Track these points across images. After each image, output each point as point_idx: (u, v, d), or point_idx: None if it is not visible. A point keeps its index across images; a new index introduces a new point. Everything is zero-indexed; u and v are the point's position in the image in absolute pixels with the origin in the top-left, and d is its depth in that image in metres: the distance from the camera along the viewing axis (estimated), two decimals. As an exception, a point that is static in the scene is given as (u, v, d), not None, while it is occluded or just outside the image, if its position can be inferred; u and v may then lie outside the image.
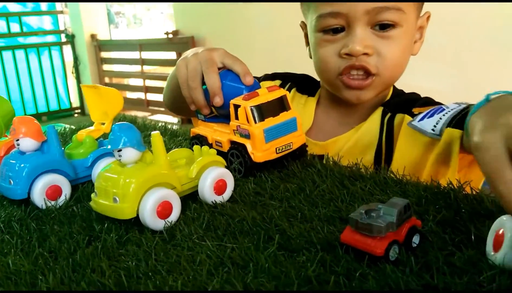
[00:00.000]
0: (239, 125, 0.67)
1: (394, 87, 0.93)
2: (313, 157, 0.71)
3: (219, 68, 0.74)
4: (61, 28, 6.05)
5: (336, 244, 0.46)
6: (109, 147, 0.54)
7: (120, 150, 0.53)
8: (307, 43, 0.93)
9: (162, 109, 5.14)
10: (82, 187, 0.66)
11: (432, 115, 0.74)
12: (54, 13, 6.11)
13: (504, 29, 2.65)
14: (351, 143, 0.88)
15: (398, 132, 0.83)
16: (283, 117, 0.68)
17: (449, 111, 0.72)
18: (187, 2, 4.62)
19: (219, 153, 0.69)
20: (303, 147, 0.71)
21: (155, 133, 0.54)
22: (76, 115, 6.16)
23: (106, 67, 5.86)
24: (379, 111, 0.88)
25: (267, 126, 0.66)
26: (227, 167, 0.62)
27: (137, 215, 0.53)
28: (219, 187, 0.59)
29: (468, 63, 2.86)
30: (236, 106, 0.67)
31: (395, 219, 0.43)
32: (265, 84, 0.97)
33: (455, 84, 2.90)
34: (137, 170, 0.54)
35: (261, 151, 0.66)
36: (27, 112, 5.70)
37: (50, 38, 6.08)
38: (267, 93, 0.68)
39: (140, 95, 5.48)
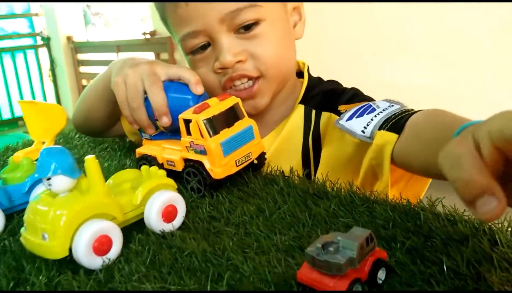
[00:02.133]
0: (193, 141, 0.61)
1: (309, 75, 0.86)
2: (276, 170, 0.65)
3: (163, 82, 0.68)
4: (37, 30, 5.92)
5: (292, 282, 0.40)
6: (36, 175, 0.48)
7: (49, 178, 0.47)
8: None
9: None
10: (18, 217, 0.59)
11: (361, 115, 0.68)
12: (29, 16, 5.98)
13: (489, 23, 2.62)
14: (275, 148, 0.81)
15: (324, 132, 0.78)
16: (238, 127, 0.62)
17: (380, 111, 0.67)
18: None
19: (173, 172, 0.63)
20: (262, 156, 0.66)
21: (90, 158, 0.48)
22: (54, 119, 6.04)
23: (83, 69, 5.75)
24: (300, 110, 0.81)
25: (223, 139, 0.60)
26: (179, 190, 0.56)
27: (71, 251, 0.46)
28: (168, 213, 0.53)
29: (451, 58, 2.84)
30: (187, 121, 0.61)
31: (355, 253, 0.37)
32: None
33: (438, 80, 2.88)
34: (70, 200, 0.47)
35: (220, 166, 0.60)
36: (3, 118, 5.59)
37: (26, 41, 5.95)
38: (218, 103, 0.62)
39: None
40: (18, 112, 5.68)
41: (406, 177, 0.69)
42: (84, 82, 5.77)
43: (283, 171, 0.66)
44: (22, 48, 5.77)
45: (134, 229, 0.53)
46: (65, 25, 5.61)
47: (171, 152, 0.65)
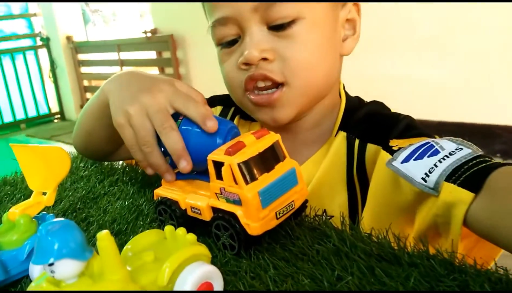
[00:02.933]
0: (224, 188, 0.50)
1: (346, 94, 0.75)
2: (324, 223, 0.54)
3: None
4: (36, 31, 5.81)
5: None
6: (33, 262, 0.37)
7: (51, 264, 0.36)
8: None
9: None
10: (16, 291, 0.48)
11: (420, 157, 0.55)
12: (27, 16, 5.88)
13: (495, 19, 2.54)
14: (317, 181, 0.70)
15: (371, 168, 0.66)
16: (279, 170, 0.50)
17: (446, 155, 0.54)
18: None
19: (198, 221, 0.53)
20: (304, 203, 0.54)
21: (103, 235, 0.37)
22: (56, 121, 5.95)
23: (84, 69, 5.65)
24: (341, 138, 0.70)
25: (262, 186, 0.48)
26: (207, 244, 0.45)
27: None
28: (203, 293, 0.42)
29: (451, 51, 2.76)
30: (218, 164, 0.50)
31: None
32: None
33: (443, 74, 2.80)
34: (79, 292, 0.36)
35: (257, 220, 0.48)
36: (4, 121, 5.49)
37: (25, 42, 5.84)
38: (255, 142, 0.51)
39: (121, 97, 5.27)
40: (20, 115, 5.59)
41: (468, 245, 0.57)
42: (85, 82, 5.67)
43: (329, 217, 0.55)
44: (22, 50, 5.67)
45: (160, 311, 0.42)
46: (64, 25, 5.51)
47: (197, 197, 0.54)
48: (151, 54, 4.89)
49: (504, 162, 0.51)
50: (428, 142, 0.57)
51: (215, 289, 0.43)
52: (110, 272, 0.37)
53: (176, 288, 0.41)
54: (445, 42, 2.76)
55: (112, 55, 5.18)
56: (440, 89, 2.83)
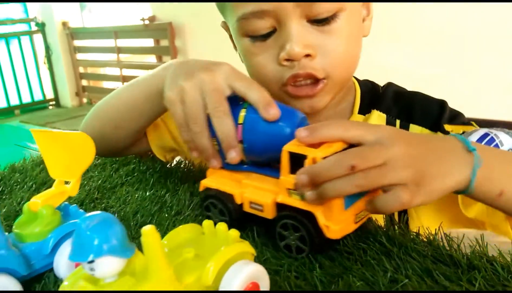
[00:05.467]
0: None
1: (354, 77, 0.77)
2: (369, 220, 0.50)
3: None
4: (31, 16, 5.72)
5: None
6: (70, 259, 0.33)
7: (91, 261, 0.33)
8: (236, 47, 0.72)
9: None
10: (40, 286, 0.44)
11: None
12: (22, 1, 5.77)
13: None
14: None
15: None
16: None
17: (505, 148, 0.55)
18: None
19: (256, 218, 0.49)
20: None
21: (148, 231, 0.33)
22: (50, 107, 5.87)
23: (80, 56, 5.56)
24: (376, 116, 0.71)
25: None
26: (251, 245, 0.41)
27: None
28: (249, 294, 0.38)
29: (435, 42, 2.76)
30: (295, 157, 0.45)
31: None
32: None
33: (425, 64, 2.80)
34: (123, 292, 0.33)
35: (339, 222, 0.44)
36: (-1, 107, 5.42)
37: (20, 27, 5.74)
38: None
39: (117, 85, 5.21)
40: (14, 101, 5.51)
41: None
42: (81, 69, 5.60)
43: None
44: (17, 35, 5.57)
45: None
46: (60, 10, 5.41)
47: (258, 192, 0.49)
48: (149, 42, 4.81)
49: None
50: (488, 135, 0.55)
51: (262, 289, 0.39)
52: (155, 271, 0.34)
53: (221, 288, 0.38)
54: (451, 37, 2.74)
55: (109, 42, 5.09)
56: (445, 85, 2.81)
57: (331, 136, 0.44)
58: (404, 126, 0.69)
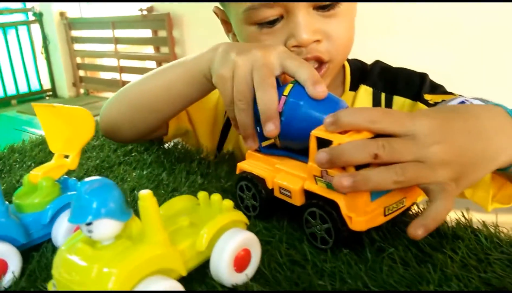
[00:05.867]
0: (327, 171, 0.43)
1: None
2: None
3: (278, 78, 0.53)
4: (29, 6, 5.70)
5: None
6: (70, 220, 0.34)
7: (90, 223, 0.34)
8: (228, 31, 0.74)
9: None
10: (38, 254, 0.46)
11: None
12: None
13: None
14: None
15: None
16: None
17: None
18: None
19: (285, 204, 0.48)
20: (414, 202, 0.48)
21: (146, 195, 0.35)
22: (47, 97, 5.86)
23: (77, 46, 5.55)
24: (363, 91, 0.75)
25: None
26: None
27: (121, 325, 0.34)
28: (241, 260, 0.40)
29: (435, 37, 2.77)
30: (323, 142, 0.43)
31: None
32: None
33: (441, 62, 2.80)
34: (120, 253, 0.34)
35: (363, 214, 0.42)
36: (-4, 97, 5.41)
37: (18, 17, 5.73)
38: None
39: (115, 75, 5.22)
40: (11, 91, 5.50)
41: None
42: (78, 60, 5.59)
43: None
44: (14, 24, 5.55)
45: (194, 279, 0.40)
46: (58, 1, 5.40)
47: (289, 177, 0.48)
48: (147, 33, 4.81)
49: None
50: (464, 102, 0.57)
51: (253, 256, 0.41)
52: (151, 234, 0.35)
53: (214, 254, 0.39)
54: (446, 29, 2.75)
55: (107, 33, 5.09)
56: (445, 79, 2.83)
57: (356, 125, 0.42)
58: (389, 98, 0.74)
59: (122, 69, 5.01)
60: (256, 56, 0.53)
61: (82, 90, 5.66)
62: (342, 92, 0.77)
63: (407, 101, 0.72)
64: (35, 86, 5.80)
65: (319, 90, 0.48)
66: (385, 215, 0.43)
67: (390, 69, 0.79)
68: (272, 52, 0.54)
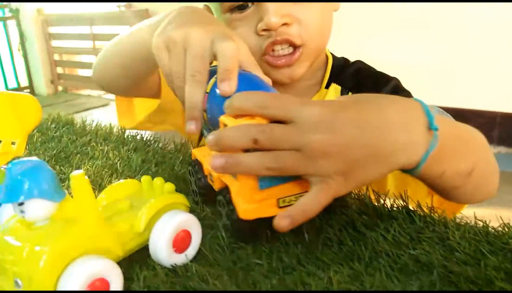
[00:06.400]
0: None
1: (331, 54, 0.80)
2: None
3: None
4: (5, 2, 5.61)
5: None
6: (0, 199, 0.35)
7: (22, 203, 0.34)
8: None
9: (118, 87, 4.86)
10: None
11: None
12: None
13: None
14: None
15: None
16: None
17: None
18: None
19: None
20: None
21: (77, 175, 0.35)
22: (25, 95, 5.78)
23: (55, 43, 5.48)
24: (335, 90, 0.76)
25: None
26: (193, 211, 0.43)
27: (54, 302, 0.34)
28: (181, 241, 0.41)
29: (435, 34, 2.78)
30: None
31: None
32: None
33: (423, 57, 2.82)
34: (52, 232, 0.35)
35: (251, 202, 0.41)
36: (-30, 94, 5.31)
37: (-7, 13, 5.64)
38: None
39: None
40: (-13, 88, 5.42)
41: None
42: (56, 56, 5.52)
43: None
44: (-11, 20, 5.47)
45: (135, 260, 0.41)
46: (34, -4, 5.33)
47: None
48: (125, 29, 4.78)
49: None
50: None
51: (193, 237, 0.42)
52: (83, 214, 0.36)
53: (153, 235, 0.40)
54: (429, 24, 2.78)
55: (85, 29, 5.04)
56: (419, 73, 2.86)
57: (247, 109, 0.41)
58: None
59: (100, 66, 4.96)
60: (191, 39, 0.50)
61: (60, 88, 5.60)
62: (319, 89, 0.77)
63: None
64: (12, 84, 5.71)
65: (222, 88, 0.45)
66: (279, 207, 0.41)
67: (366, 70, 0.78)
68: (208, 35, 0.49)
